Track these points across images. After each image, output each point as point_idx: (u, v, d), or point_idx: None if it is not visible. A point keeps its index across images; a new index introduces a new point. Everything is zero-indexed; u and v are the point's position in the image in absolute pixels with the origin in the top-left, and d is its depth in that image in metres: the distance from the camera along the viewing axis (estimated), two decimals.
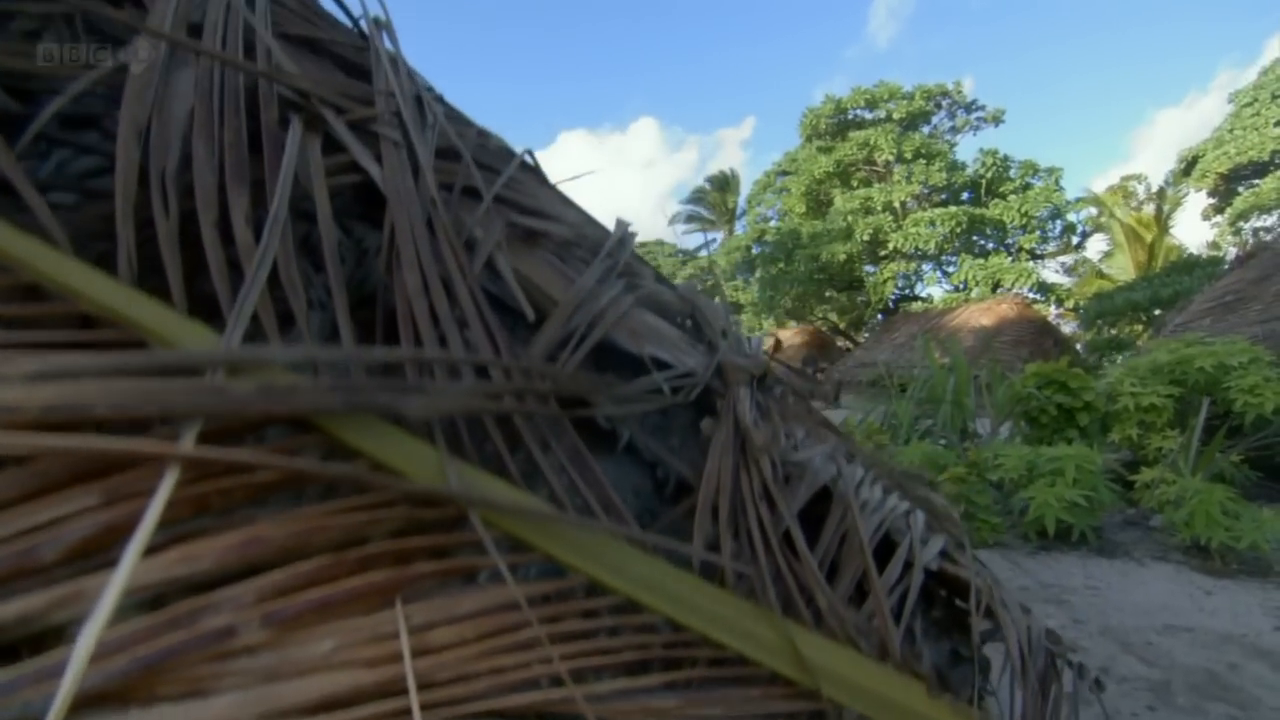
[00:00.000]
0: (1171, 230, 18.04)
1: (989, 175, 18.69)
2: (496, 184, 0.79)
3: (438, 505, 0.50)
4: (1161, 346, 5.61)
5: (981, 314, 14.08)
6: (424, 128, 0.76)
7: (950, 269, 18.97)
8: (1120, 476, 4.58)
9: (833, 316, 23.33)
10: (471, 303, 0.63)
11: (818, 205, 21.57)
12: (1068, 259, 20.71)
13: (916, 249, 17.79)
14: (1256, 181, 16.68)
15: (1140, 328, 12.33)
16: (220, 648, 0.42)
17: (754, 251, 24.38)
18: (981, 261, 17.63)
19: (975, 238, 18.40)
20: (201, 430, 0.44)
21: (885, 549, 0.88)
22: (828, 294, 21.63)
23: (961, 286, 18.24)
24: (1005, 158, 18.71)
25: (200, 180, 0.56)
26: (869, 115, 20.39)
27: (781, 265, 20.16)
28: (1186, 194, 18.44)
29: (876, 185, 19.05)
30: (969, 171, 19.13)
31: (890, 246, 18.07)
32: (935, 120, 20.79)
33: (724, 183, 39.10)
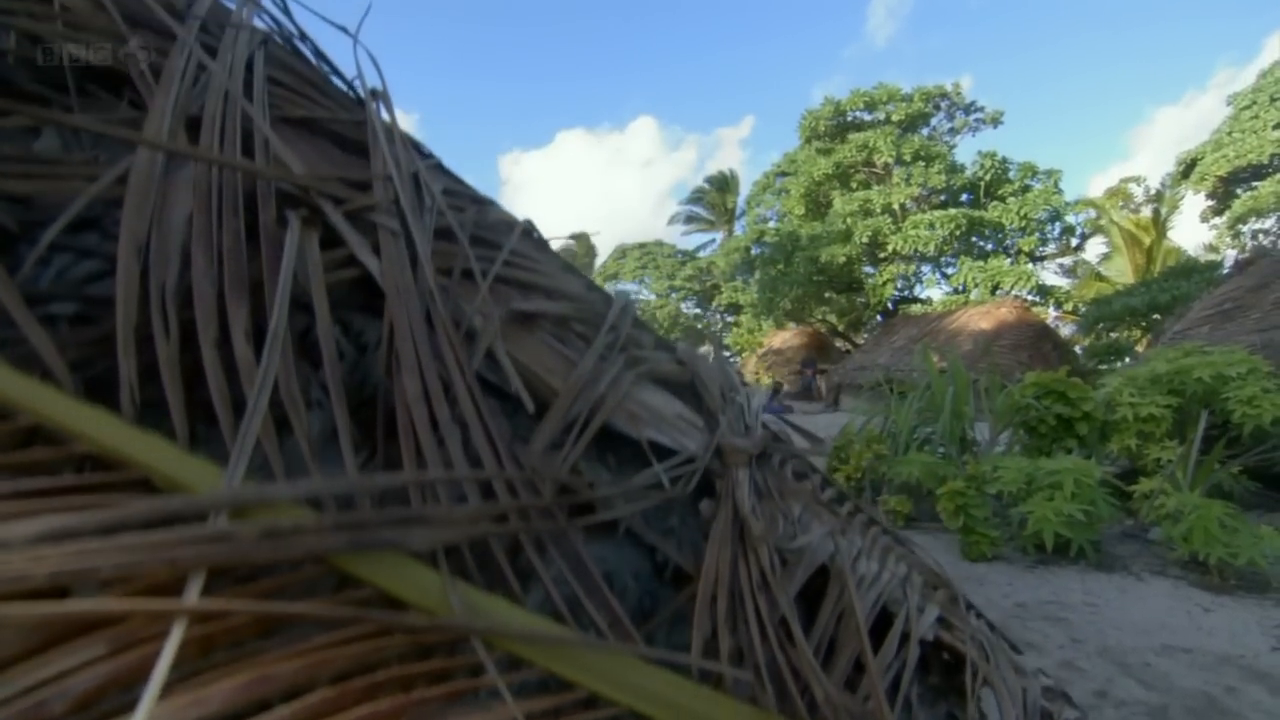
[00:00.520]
0: (1170, 233, 18.07)
1: (988, 177, 18.71)
2: (494, 266, 0.80)
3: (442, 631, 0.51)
4: (1160, 356, 5.61)
5: (980, 317, 14.10)
6: (422, 211, 0.76)
7: (950, 271, 19.00)
8: (1117, 489, 4.59)
9: (832, 318, 23.34)
10: (472, 406, 0.63)
11: (817, 207, 21.58)
12: (1067, 260, 20.75)
13: (916, 251, 17.80)
14: (1255, 184, 16.70)
15: (1139, 333, 12.35)
16: None
17: (753, 252, 24.38)
18: (981, 264, 17.65)
19: (974, 239, 18.42)
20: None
21: (882, 619, 0.89)
22: (827, 295, 21.64)
23: (960, 289, 18.26)
24: (1004, 160, 18.73)
25: (200, 295, 0.56)
26: (868, 117, 20.41)
27: (781, 267, 20.18)
28: (1184, 196, 18.47)
29: (875, 187, 19.06)
30: (968, 173, 19.15)
31: (889, 249, 18.09)
32: (934, 122, 20.81)
33: (723, 183, 39.10)
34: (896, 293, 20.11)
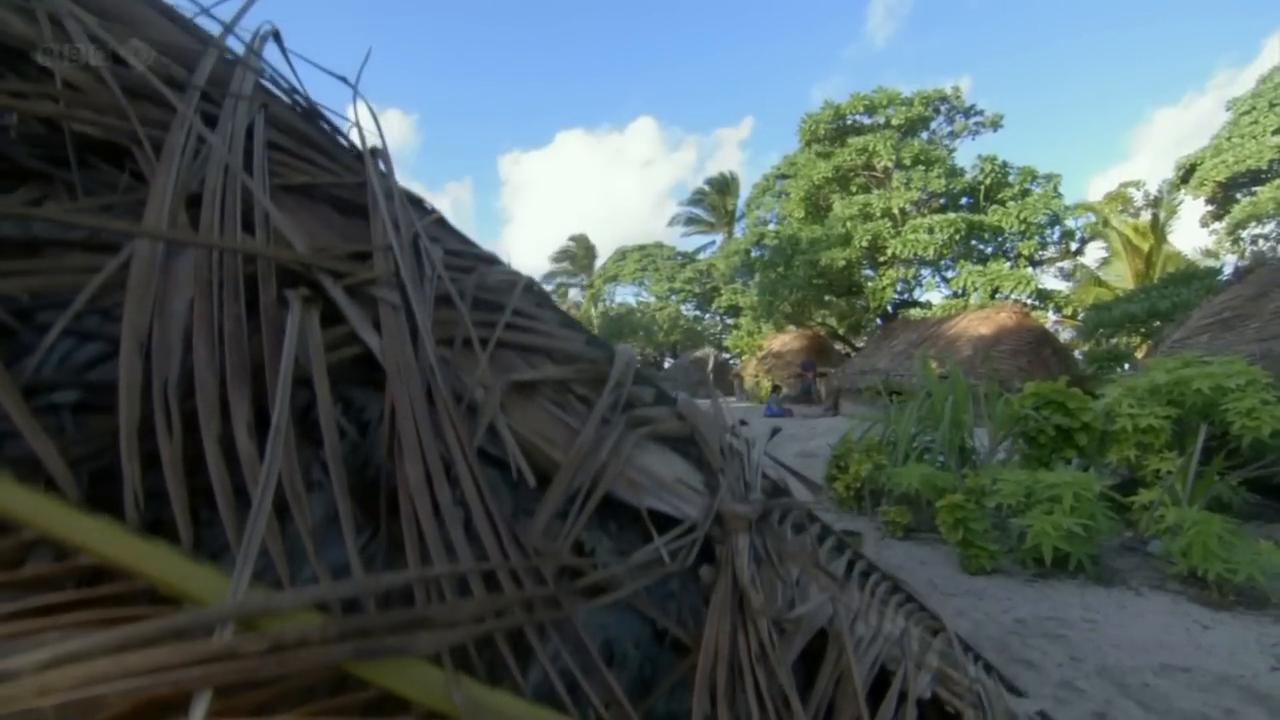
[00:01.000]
0: (1170, 237, 18.09)
1: (988, 181, 18.73)
2: (495, 331, 0.80)
3: None
4: (1159, 366, 5.61)
5: (980, 322, 14.10)
6: (422, 281, 0.76)
7: (949, 275, 19.02)
8: (1116, 502, 4.59)
9: (831, 321, 23.35)
10: (475, 490, 0.63)
11: (816, 210, 21.60)
12: (1066, 264, 20.78)
13: (915, 255, 17.82)
14: (1255, 189, 16.73)
15: (1138, 339, 12.36)
16: None
17: (753, 255, 24.40)
18: (980, 268, 17.67)
19: (974, 243, 18.44)
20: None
21: (880, 677, 0.89)
22: (826, 299, 21.66)
23: (960, 293, 18.28)
24: (1004, 164, 18.76)
25: (202, 387, 0.56)
26: (868, 121, 20.43)
27: (780, 270, 20.19)
28: (1183, 202, 18.49)
29: (875, 191, 19.09)
30: (968, 177, 19.17)
31: (889, 252, 18.10)
32: (934, 125, 20.84)
33: (723, 185, 39.13)
34: (896, 296, 20.14)
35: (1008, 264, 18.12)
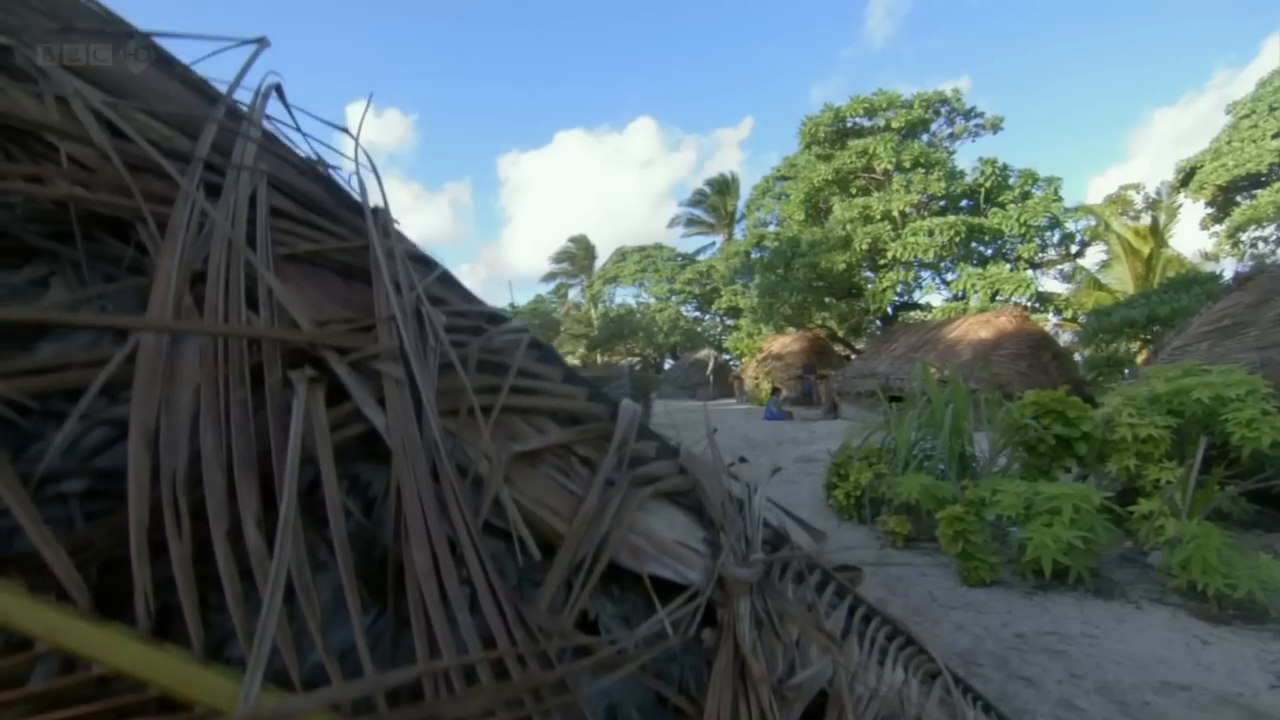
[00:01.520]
0: (1170, 240, 18.10)
1: (988, 184, 18.74)
2: (499, 398, 0.80)
3: None
4: (1159, 375, 5.62)
5: (980, 326, 14.11)
6: (426, 351, 0.77)
7: (950, 277, 19.03)
8: (1115, 514, 4.59)
9: (832, 323, 23.36)
10: (480, 571, 0.64)
11: (816, 213, 21.62)
12: (1066, 266, 20.79)
13: (915, 258, 17.83)
14: (1255, 193, 16.74)
15: (1138, 344, 12.37)
16: None
17: (753, 256, 24.41)
18: (980, 271, 17.68)
19: (974, 245, 18.45)
20: None
21: None
22: (827, 301, 21.67)
23: (960, 295, 18.29)
24: (1004, 167, 18.77)
25: (210, 483, 0.56)
26: (868, 123, 20.45)
27: (780, 272, 20.20)
28: (1183, 205, 18.51)
29: (875, 194, 19.10)
30: (968, 180, 19.18)
31: (889, 255, 18.12)
32: (934, 127, 20.84)
33: (723, 186, 39.13)
34: (896, 298, 20.15)
35: (1008, 267, 18.14)
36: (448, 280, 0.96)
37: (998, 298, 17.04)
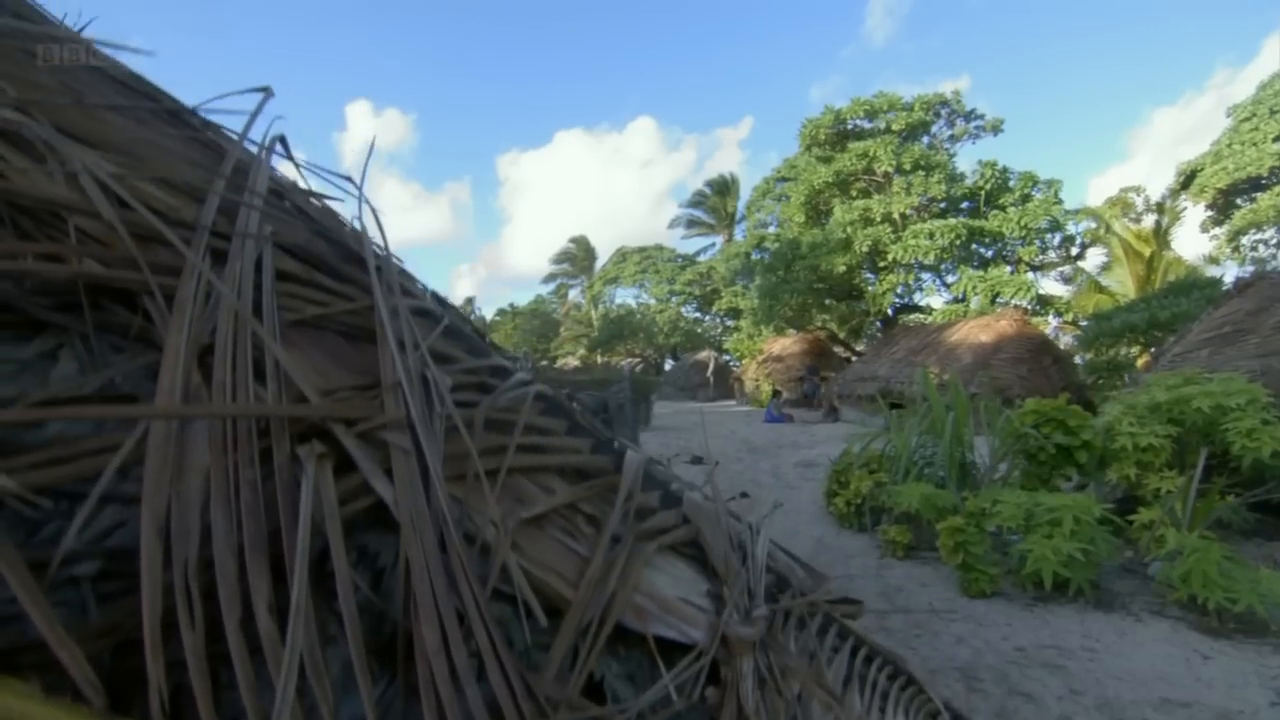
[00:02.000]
0: (1171, 242, 18.10)
1: (988, 186, 18.74)
2: (506, 459, 0.81)
3: None
4: (1160, 383, 5.62)
5: (980, 330, 14.10)
6: (432, 417, 0.77)
7: (950, 280, 19.03)
8: (1116, 524, 4.59)
9: (832, 325, 23.36)
10: (490, 645, 0.64)
11: (817, 215, 21.62)
12: (1067, 269, 20.79)
13: (916, 260, 17.83)
14: (1256, 196, 16.74)
15: (1138, 349, 12.37)
16: None
17: (753, 258, 24.41)
18: (981, 273, 17.69)
19: (975, 247, 18.45)
20: None
21: None
22: (827, 303, 21.68)
23: (960, 298, 18.29)
24: (1005, 169, 18.77)
25: (222, 570, 0.57)
26: (868, 125, 20.44)
27: (780, 274, 20.21)
28: (1186, 209, 18.50)
29: (876, 196, 19.10)
30: (968, 182, 19.18)
31: (889, 257, 18.12)
32: (934, 129, 20.84)
33: (723, 187, 39.13)
34: (897, 300, 20.15)
35: (1008, 269, 18.14)
36: (452, 333, 0.97)
37: (998, 300, 17.04)
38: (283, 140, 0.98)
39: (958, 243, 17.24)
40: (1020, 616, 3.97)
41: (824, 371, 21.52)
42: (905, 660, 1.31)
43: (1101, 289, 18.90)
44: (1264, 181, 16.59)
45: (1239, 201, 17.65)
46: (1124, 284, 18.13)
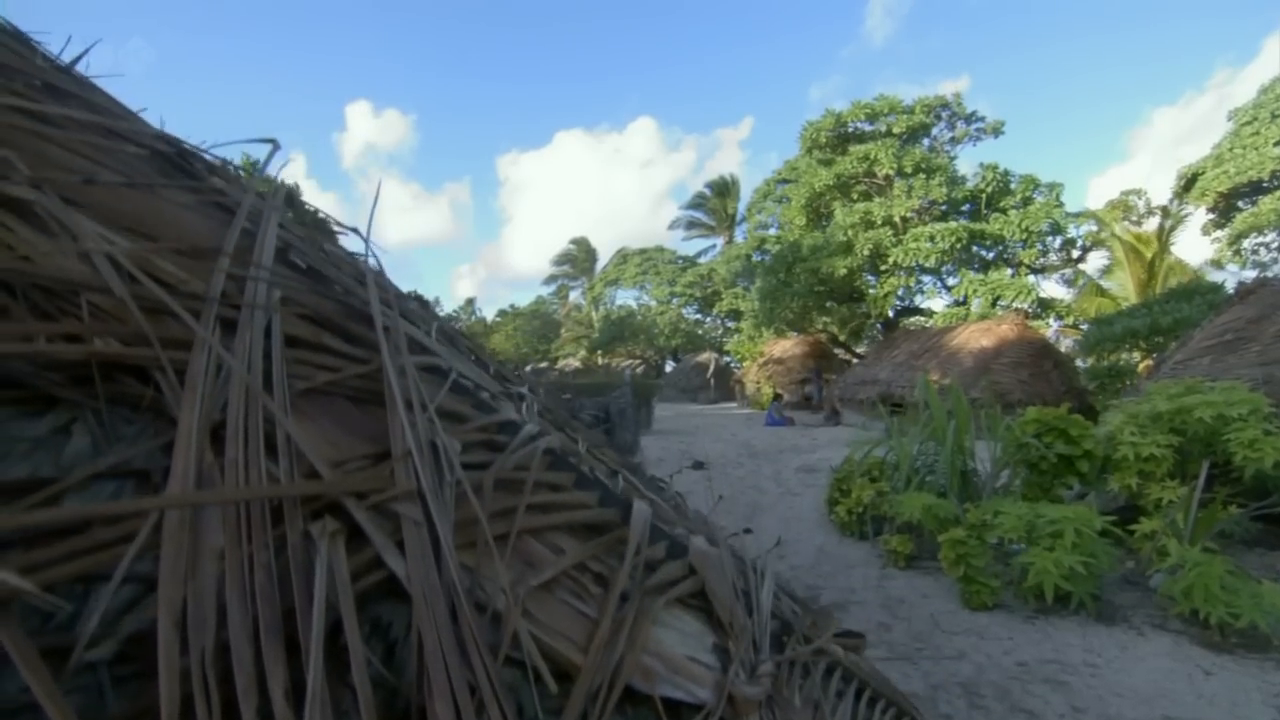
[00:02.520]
0: (1172, 246, 18.10)
1: (989, 189, 18.75)
2: (515, 522, 0.81)
3: None
4: (1161, 392, 5.62)
5: (981, 334, 14.10)
6: (442, 486, 0.78)
7: (951, 282, 19.03)
8: (1117, 535, 4.59)
9: (833, 327, 23.37)
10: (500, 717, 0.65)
11: (817, 217, 21.63)
12: (1068, 272, 20.79)
13: (917, 263, 17.84)
14: (1257, 199, 16.74)
15: (1139, 355, 12.37)
16: None
17: (754, 259, 24.43)
18: (981, 276, 17.70)
19: (975, 250, 18.45)
20: None
21: None
22: (828, 305, 21.69)
23: (961, 300, 18.30)
24: (1006, 172, 18.78)
25: (239, 657, 0.57)
26: (869, 128, 20.45)
27: (781, 277, 20.22)
28: (1189, 214, 18.49)
29: (877, 199, 19.11)
30: (969, 185, 19.19)
31: (890, 260, 18.13)
32: (935, 132, 20.85)
33: (724, 188, 39.15)
34: (898, 303, 20.16)
35: (1009, 272, 18.14)
36: (460, 389, 0.97)
37: (999, 303, 17.04)
38: (290, 197, 0.99)
39: (959, 246, 17.25)
40: (1022, 630, 3.97)
41: (825, 374, 21.54)
42: (907, 699, 1.31)
43: (1103, 292, 18.89)
44: (1265, 185, 16.60)
45: (1240, 205, 17.65)
46: (1125, 287, 18.13)
